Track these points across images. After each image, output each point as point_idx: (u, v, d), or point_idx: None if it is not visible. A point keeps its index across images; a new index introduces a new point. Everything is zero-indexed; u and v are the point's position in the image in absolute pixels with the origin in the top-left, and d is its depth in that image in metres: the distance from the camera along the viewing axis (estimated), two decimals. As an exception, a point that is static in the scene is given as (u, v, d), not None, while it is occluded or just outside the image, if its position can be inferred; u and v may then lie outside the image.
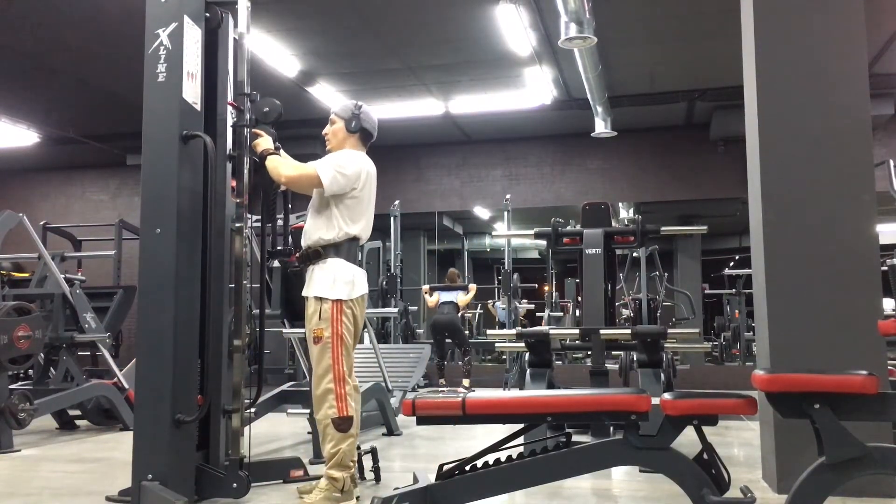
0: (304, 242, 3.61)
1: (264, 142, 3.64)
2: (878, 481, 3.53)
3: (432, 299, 9.88)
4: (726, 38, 6.48)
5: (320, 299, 3.41)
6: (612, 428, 4.48)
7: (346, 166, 3.51)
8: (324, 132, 3.75)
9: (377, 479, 4.04)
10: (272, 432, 6.03)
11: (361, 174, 3.56)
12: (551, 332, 5.24)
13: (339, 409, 3.28)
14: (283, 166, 3.53)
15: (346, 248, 3.51)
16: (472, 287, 10.20)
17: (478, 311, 14.76)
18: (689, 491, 2.75)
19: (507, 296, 10.32)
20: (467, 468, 2.96)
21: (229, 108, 3.91)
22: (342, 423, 3.30)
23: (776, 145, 3.96)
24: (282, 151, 3.71)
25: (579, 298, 6.47)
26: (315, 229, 3.55)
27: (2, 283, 7.43)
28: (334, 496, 3.26)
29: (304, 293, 3.54)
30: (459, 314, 9.95)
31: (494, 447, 3.01)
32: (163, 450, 3.43)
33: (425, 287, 10.48)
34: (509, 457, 2.94)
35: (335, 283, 3.42)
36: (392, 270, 10.81)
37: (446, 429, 3.23)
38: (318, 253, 3.50)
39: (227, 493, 3.65)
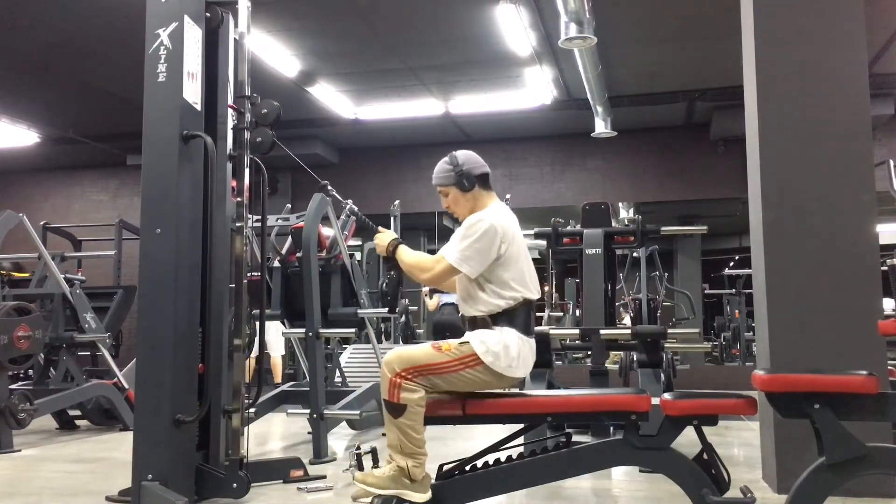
0: (464, 312, 3.17)
1: (385, 236, 3.22)
2: (878, 481, 3.53)
3: (433, 302, 9.89)
4: (726, 38, 6.49)
5: (469, 343, 2.97)
6: (612, 428, 4.49)
7: (474, 236, 2.99)
8: (444, 206, 3.25)
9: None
10: (272, 432, 6.03)
11: (495, 232, 2.99)
12: (551, 332, 5.24)
13: (390, 394, 2.91)
14: (417, 269, 3.13)
15: (515, 314, 3.01)
16: None
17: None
18: (689, 491, 2.75)
19: None
20: (467, 468, 2.97)
21: (230, 110, 3.92)
22: (392, 409, 2.92)
23: (776, 145, 3.96)
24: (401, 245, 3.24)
25: (579, 298, 6.46)
26: (472, 304, 3.09)
27: (2, 283, 7.43)
28: (403, 481, 2.89)
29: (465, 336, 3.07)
30: (460, 315, 9.95)
31: (494, 447, 3.01)
32: (163, 450, 3.43)
33: (425, 290, 10.47)
34: (509, 457, 2.94)
35: (497, 345, 2.94)
36: (392, 273, 10.79)
37: (446, 429, 3.21)
38: (486, 321, 3.03)
39: (227, 493, 3.66)
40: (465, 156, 3.18)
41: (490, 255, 2.98)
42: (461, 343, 2.98)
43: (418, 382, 2.92)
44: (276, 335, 8.07)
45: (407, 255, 3.17)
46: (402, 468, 2.91)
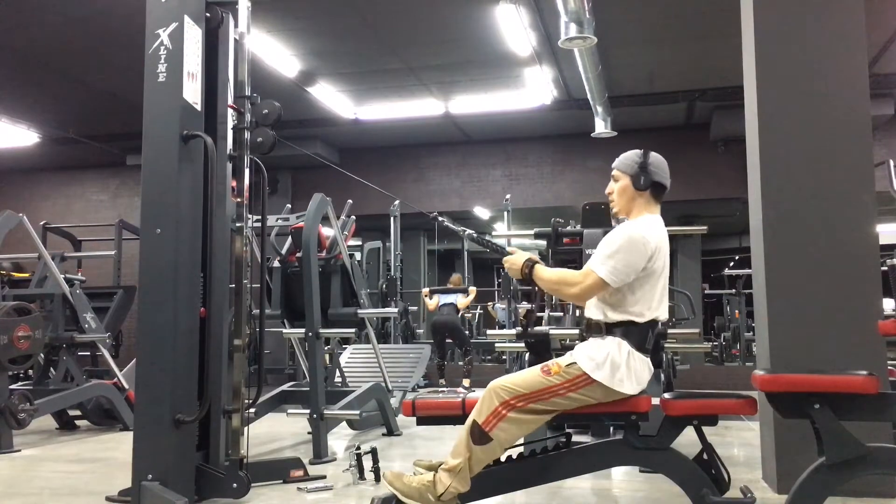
0: (586, 313, 3.01)
1: (518, 258, 3.02)
2: (878, 481, 3.53)
3: (432, 302, 9.91)
4: (726, 38, 6.49)
5: (576, 363, 2.83)
6: (612, 428, 4.49)
7: (626, 248, 2.85)
8: (607, 191, 3.19)
9: (377, 479, 4.05)
10: (272, 432, 6.03)
11: (655, 246, 2.87)
12: (551, 332, 5.23)
13: (485, 421, 2.78)
14: (563, 284, 2.94)
15: (635, 330, 2.86)
16: (472, 290, 10.22)
17: (478, 311, 14.74)
18: (689, 491, 2.75)
19: (507, 298, 10.31)
20: (467, 468, 2.96)
21: (230, 110, 3.92)
22: (478, 435, 2.78)
23: (776, 145, 3.96)
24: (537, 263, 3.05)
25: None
26: (595, 308, 2.95)
27: (2, 283, 7.43)
28: (428, 497, 2.80)
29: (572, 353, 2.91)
30: (459, 315, 9.97)
31: (494, 447, 3.00)
32: (163, 450, 3.43)
33: (425, 290, 10.51)
34: (509, 457, 2.94)
35: (605, 360, 2.79)
36: (392, 272, 10.83)
37: (446, 429, 3.20)
38: (601, 327, 2.89)
39: (227, 493, 3.66)
40: (657, 159, 3.13)
41: (638, 268, 2.83)
42: (568, 364, 2.83)
43: (526, 410, 2.79)
44: None
45: (547, 273, 2.98)
46: (439, 483, 2.80)
